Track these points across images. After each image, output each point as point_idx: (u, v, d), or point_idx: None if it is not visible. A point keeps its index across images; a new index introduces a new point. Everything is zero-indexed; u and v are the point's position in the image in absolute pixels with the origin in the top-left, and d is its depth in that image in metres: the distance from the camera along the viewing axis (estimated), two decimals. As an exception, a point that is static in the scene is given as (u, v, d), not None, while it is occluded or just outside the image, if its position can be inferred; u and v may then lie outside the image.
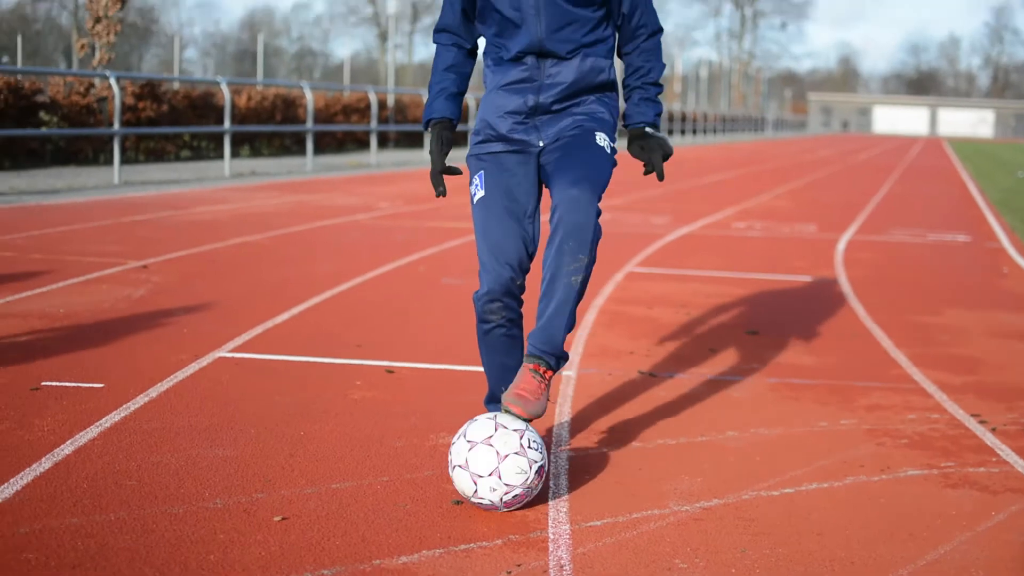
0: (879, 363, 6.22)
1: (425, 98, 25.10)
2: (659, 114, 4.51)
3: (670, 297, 8.13)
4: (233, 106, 24.86)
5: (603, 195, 4.18)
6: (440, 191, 4.32)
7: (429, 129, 4.37)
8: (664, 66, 4.56)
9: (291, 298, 7.54)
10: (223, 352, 5.93)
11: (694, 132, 61.20)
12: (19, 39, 47.63)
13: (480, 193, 4.31)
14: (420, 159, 27.89)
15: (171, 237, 10.67)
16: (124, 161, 21.74)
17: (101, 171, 19.80)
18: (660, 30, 4.51)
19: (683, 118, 58.91)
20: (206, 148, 25.91)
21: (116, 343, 6.07)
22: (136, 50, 76.12)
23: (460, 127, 29.12)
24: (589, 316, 7.29)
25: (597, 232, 4.07)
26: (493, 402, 4.44)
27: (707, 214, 14.75)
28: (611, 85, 4.39)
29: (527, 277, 4.20)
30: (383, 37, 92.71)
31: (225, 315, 6.95)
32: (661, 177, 4.32)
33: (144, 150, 23.47)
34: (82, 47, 23.98)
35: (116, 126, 17.56)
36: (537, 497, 3.91)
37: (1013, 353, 6.63)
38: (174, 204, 14.06)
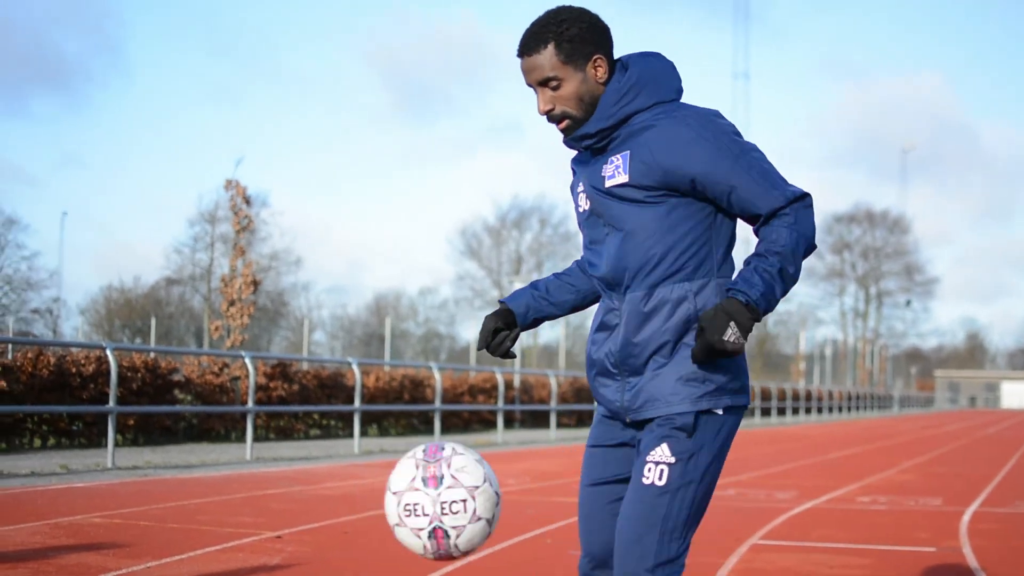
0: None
1: (550, 378, 25.03)
2: (765, 294, 3.49)
3: (795, 568, 8.17)
4: (362, 386, 25.49)
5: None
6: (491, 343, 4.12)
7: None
8: (801, 236, 3.56)
9: (426, 567, 7.72)
10: (357, 616, 6.12)
11: (819, 411, 60.92)
12: (152, 321, 49.39)
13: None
14: (546, 438, 28.12)
15: (304, 510, 10.95)
16: (255, 439, 22.30)
17: (233, 448, 20.34)
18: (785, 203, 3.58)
19: (808, 396, 58.74)
20: (335, 427, 26.46)
21: (254, 607, 6.29)
22: (266, 332, 78.10)
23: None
24: (714, 585, 7.37)
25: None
26: None
27: (832, 489, 14.73)
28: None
29: None
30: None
31: (358, 582, 7.15)
32: (695, 358, 3.57)
33: (275, 428, 24.05)
34: (216, 329, 24.93)
35: (250, 404, 18.12)
36: None
37: None
38: (306, 479, 14.41)
